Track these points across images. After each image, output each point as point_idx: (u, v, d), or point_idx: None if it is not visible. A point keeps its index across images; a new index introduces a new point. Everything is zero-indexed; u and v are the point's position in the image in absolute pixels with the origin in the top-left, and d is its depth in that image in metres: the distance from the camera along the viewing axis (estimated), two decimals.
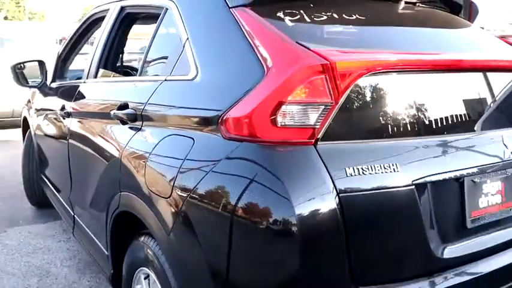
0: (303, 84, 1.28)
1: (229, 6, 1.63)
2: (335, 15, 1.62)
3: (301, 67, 1.30)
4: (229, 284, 1.36)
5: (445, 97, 1.57)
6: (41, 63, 3.39)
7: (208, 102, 1.52)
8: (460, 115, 1.59)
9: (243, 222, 1.29)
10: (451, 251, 1.50)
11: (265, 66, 1.37)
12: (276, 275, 1.30)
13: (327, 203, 1.25)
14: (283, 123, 1.30)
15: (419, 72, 1.50)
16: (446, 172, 1.47)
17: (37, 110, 3.59)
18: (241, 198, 1.29)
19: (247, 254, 1.32)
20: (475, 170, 1.55)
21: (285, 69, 1.31)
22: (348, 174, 1.28)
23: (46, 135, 3.30)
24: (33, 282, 2.86)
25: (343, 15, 1.64)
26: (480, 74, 1.67)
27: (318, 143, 1.30)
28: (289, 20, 1.55)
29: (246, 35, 1.50)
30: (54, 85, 3.29)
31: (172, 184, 1.52)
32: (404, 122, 1.44)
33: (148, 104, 1.84)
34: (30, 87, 3.52)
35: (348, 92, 1.32)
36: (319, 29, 1.59)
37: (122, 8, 2.49)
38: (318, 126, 1.30)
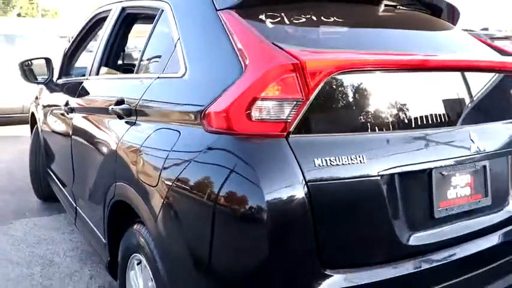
0: (275, 82, 1.39)
1: (217, 8, 1.73)
2: (314, 18, 1.72)
3: (273, 66, 1.40)
4: (210, 268, 1.46)
5: (413, 94, 1.65)
6: (48, 61, 3.53)
7: (193, 98, 1.63)
8: (428, 111, 1.67)
9: (219, 209, 1.40)
10: (419, 239, 1.59)
11: (243, 65, 1.48)
12: (249, 259, 1.40)
13: (296, 191, 1.35)
14: (257, 118, 1.40)
15: (388, 71, 1.59)
16: (413, 164, 1.57)
17: (43, 106, 3.73)
18: (217, 186, 1.40)
19: (224, 240, 1.42)
20: (443, 163, 1.64)
21: (259, 68, 1.42)
22: (317, 165, 1.38)
23: (51, 130, 3.44)
24: (37, 271, 2.99)
25: (322, 18, 1.74)
26: (450, 73, 1.76)
27: (290, 136, 1.40)
28: (270, 22, 1.65)
29: (229, 35, 1.60)
30: (60, 82, 3.42)
31: (159, 174, 1.63)
32: (372, 117, 1.54)
33: (142, 99, 1.96)
34: (37, 83, 3.66)
35: (318, 89, 1.42)
36: (297, 30, 1.69)
37: (123, 9, 2.61)
38: (289, 121, 1.40)
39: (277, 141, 1.39)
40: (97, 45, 2.79)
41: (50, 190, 3.83)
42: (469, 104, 1.82)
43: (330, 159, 1.39)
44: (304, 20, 1.70)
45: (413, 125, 1.62)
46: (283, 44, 1.51)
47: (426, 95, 1.69)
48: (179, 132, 1.64)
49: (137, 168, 1.81)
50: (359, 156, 1.43)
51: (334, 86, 1.47)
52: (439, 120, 1.69)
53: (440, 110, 1.70)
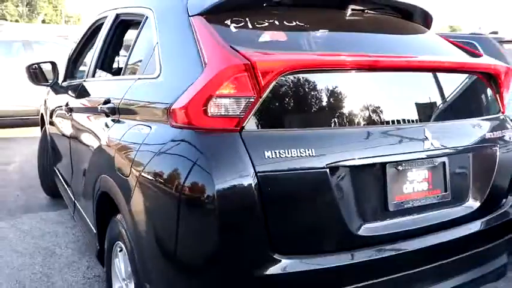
0: (229, 81, 1.53)
1: (189, 14, 1.89)
2: (277, 23, 1.86)
3: (226, 66, 1.55)
4: (171, 253, 1.61)
5: (364, 93, 1.76)
6: (53, 64, 3.74)
7: (163, 97, 1.78)
8: (380, 109, 1.78)
9: (177, 197, 1.54)
10: (372, 230, 1.70)
11: (203, 66, 1.62)
12: (203, 244, 1.54)
13: (246, 182, 1.48)
14: (213, 113, 1.54)
15: (339, 71, 1.71)
16: (365, 158, 1.67)
17: (49, 107, 3.95)
18: (175, 176, 1.55)
19: (180, 225, 1.55)
20: (397, 158, 1.74)
21: (215, 68, 1.57)
22: (267, 157, 1.51)
23: (55, 129, 3.65)
24: (38, 261, 3.19)
25: (285, 23, 1.87)
26: (404, 73, 1.86)
27: (243, 130, 1.54)
28: (234, 26, 1.80)
29: (196, 39, 1.75)
30: (64, 84, 3.62)
31: (130, 165, 1.79)
32: (323, 114, 1.66)
33: (124, 99, 2.12)
34: (43, 85, 3.86)
35: (269, 87, 1.56)
36: (258, 34, 1.83)
37: (117, 15, 2.79)
38: (242, 116, 1.54)
39: (230, 135, 1.53)
40: (94, 49, 2.98)
41: (56, 186, 4.03)
42: (426, 103, 1.91)
43: (279, 152, 1.52)
44: (267, 24, 1.84)
45: (365, 122, 1.73)
46: (241, 46, 1.65)
47: (379, 93, 1.79)
48: (150, 127, 1.80)
49: (115, 161, 1.97)
50: (308, 150, 1.55)
51: (285, 85, 1.60)
52: (392, 118, 1.80)
53: (394, 108, 1.80)
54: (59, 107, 3.51)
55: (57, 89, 3.75)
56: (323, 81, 1.68)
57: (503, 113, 2.20)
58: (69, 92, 3.32)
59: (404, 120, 1.82)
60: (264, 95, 1.55)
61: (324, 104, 1.68)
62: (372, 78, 1.79)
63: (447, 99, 2.00)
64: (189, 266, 1.59)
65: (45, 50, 7.99)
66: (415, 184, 1.81)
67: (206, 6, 1.85)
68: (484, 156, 2.03)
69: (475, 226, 1.96)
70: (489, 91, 2.13)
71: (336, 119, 1.68)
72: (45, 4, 58.22)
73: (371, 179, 1.74)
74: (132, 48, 2.38)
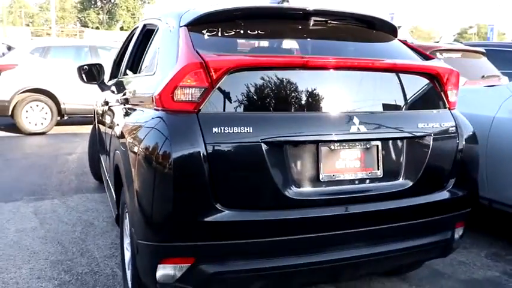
0: (189, 75, 2.02)
1: (180, 25, 2.42)
2: (242, 32, 2.34)
3: (186, 64, 2.04)
4: (142, 204, 2.08)
5: (301, 86, 2.15)
6: (100, 66, 4.42)
7: (153, 88, 2.30)
8: (314, 99, 2.17)
9: (149, 160, 2.05)
10: (304, 194, 2.11)
11: (177, 65, 2.14)
12: (164, 196, 2.01)
13: (197, 148, 1.96)
14: (178, 99, 2.04)
15: (280, 69, 2.13)
16: (297, 136, 2.09)
17: (97, 103, 4.65)
18: (150, 144, 2.06)
19: (151, 183, 2.04)
20: (328, 139, 2.14)
21: (179, 66, 2.07)
22: (214, 132, 1.98)
23: (98, 121, 4.33)
24: (78, 229, 3.84)
25: (249, 32, 2.35)
26: (340, 71, 2.23)
27: (199, 112, 2.03)
28: (207, 35, 2.30)
29: (178, 44, 2.27)
30: (109, 83, 4.30)
31: (126, 139, 2.34)
32: (262, 101, 2.09)
33: (133, 91, 2.69)
34: (91, 84, 4.56)
35: (221, 80, 2.02)
36: (224, 41, 2.32)
37: (144, 25, 3.40)
38: (199, 102, 2.02)
39: (190, 116, 2.02)
40: (127, 53, 3.61)
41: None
42: (359, 96, 2.27)
43: (224, 128, 1.99)
44: (233, 33, 2.33)
45: (299, 109, 2.15)
46: (205, 50, 2.14)
47: (312, 87, 2.17)
48: (143, 111, 2.34)
49: (121, 138, 2.54)
50: (247, 128, 2.01)
51: (232, 79, 2.05)
52: (325, 107, 2.18)
53: (326, 99, 2.18)
54: (101, 102, 4.18)
55: (102, 87, 4.42)
56: (263, 77, 2.11)
57: (449, 108, 2.52)
58: (109, 88, 3.97)
59: (336, 109, 2.20)
60: (216, 86, 2.03)
61: (263, 94, 2.11)
62: (306, 75, 2.18)
63: (381, 94, 2.35)
64: (155, 211, 2.05)
65: (109, 55, 8.89)
66: (348, 161, 2.20)
67: (190, 20, 2.37)
68: (418, 144, 2.36)
69: (405, 202, 2.29)
70: (430, 89, 2.45)
71: (272, 106, 2.11)
72: (124, 12, 61.77)
73: (305, 154, 2.15)
74: (146, 52, 2.96)
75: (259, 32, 2.38)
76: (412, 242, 2.37)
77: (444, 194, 2.43)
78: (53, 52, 8.50)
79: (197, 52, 2.10)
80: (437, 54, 6.26)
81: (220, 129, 2.00)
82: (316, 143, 2.14)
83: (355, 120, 2.19)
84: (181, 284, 2.07)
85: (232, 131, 2.01)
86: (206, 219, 1.99)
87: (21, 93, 8.08)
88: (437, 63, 2.54)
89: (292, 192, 2.09)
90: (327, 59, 2.18)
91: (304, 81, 2.16)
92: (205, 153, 1.97)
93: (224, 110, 2.06)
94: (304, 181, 2.14)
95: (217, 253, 2.05)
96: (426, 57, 2.64)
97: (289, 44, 2.47)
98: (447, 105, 2.51)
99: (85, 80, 4.39)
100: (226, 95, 2.06)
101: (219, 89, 2.04)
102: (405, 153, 2.32)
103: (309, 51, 2.50)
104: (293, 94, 2.15)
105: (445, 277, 3.21)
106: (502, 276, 3.23)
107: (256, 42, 2.44)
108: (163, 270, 2.06)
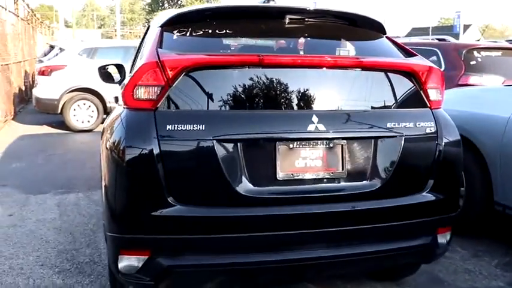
0: (146, 74, 2.08)
1: (157, 26, 2.50)
2: (210, 31, 2.38)
3: (144, 64, 2.11)
4: (106, 195, 2.17)
5: (258, 84, 2.14)
6: (120, 66, 4.60)
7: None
8: (270, 98, 2.15)
9: (111, 153, 2.14)
10: (259, 192, 2.10)
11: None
12: (119, 189, 2.10)
13: (150, 145, 2.01)
14: (137, 97, 2.11)
15: (234, 67, 2.14)
16: (252, 134, 2.09)
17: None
18: (112, 139, 2.15)
19: (112, 175, 2.13)
20: (288, 136, 2.12)
21: (139, 65, 2.15)
22: (167, 129, 2.03)
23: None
24: (93, 221, 4.04)
25: (217, 31, 2.38)
26: (303, 69, 2.21)
27: (157, 110, 2.08)
28: (177, 35, 2.36)
29: (151, 44, 2.35)
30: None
31: (101, 136, 2.46)
32: (217, 99, 2.10)
33: (120, 91, 2.81)
34: (111, 83, 4.76)
35: (178, 78, 2.07)
36: (189, 40, 2.37)
37: (148, 26, 3.52)
38: (156, 99, 2.08)
39: (148, 113, 2.08)
40: (136, 53, 3.75)
41: None
42: (321, 94, 2.22)
43: (177, 126, 2.04)
44: (202, 33, 2.37)
45: (255, 107, 2.15)
46: (173, 50, 2.21)
47: (269, 85, 2.16)
48: (118, 109, 2.44)
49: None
50: (199, 125, 2.04)
51: (189, 77, 2.09)
52: (283, 105, 2.17)
53: (285, 97, 2.17)
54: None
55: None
56: (220, 75, 2.14)
57: (431, 108, 2.41)
58: None
59: (295, 107, 2.18)
60: (173, 85, 2.08)
61: (219, 92, 2.12)
62: (263, 73, 2.16)
63: (348, 92, 2.29)
64: (115, 204, 2.13)
65: None
66: (309, 161, 2.17)
67: (164, 20, 2.45)
68: (388, 144, 2.27)
69: (373, 204, 2.22)
70: (406, 87, 2.36)
71: (228, 104, 2.12)
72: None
73: (262, 152, 2.15)
74: (137, 52, 3.07)
75: (229, 31, 2.41)
76: (383, 245, 2.30)
77: (420, 197, 2.33)
78: (100, 53, 8.92)
79: (157, 52, 2.16)
80: (475, 52, 5.98)
81: (174, 126, 2.05)
82: (274, 141, 2.13)
83: (317, 118, 2.15)
84: (141, 276, 2.14)
85: (185, 129, 2.05)
86: (160, 214, 2.05)
87: (70, 92, 8.55)
88: (415, 60, 2.44)
89: (246, 190, 2.10)
90: (284, 57, 2.17)
91: (261, 79, 2.15)
92: (158, 150, 2.03)
93: (180, 108, 2.11)
94: (260, 179, 2.14)
95: (172, 247, 2.10)
96: (410, 55, 2.54)
97: (261, 42, 2.47)
98: (428, 104, 2.40)
99: (105, 79, 4.59)
100: (183, 93, 2.10)
101: (176, 87, 2.09)
102: (373, 153, 2.26)
103: (282, 50, 2.49)
104: (249, 92, 2.15)
105: (444, 285, 3.07)
106: (506, 287, 3.05)
107: (227, 42, 2.47)
108: (126, 261, 2.14)
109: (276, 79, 2.16)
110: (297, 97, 2.19)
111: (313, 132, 2.15)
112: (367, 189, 2.23)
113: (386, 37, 2.70)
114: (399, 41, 2.90)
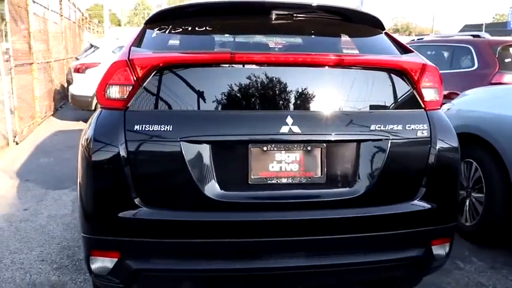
0: (115, 74, 2.03)
1: (144, 23, 2.46)
2: (189, 28, 2.29)
3: (114, 62, 2.06)
4: (79, 201, 2.12)
5: (234, 83, 2.03)
6: None
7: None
8: (243, 97, 2.04)
9: (81, 150, 2.10)
10: (229, 197, 2.00)
11: None
12: (86, 188, 2.06)
13: (117, 146, 1.95)
14: (109, 97, 2.06)
15: (206, 65, 2.05)
16: (221, 136, 1.99)
17: None
18: (84, 137, 2.11)
19: (82, 171, 2.09)
20: (261, 138, 2.01)
21: (110, 65, 2.09)
22: (135, 129, 1.96)
23: None
24: None
25: (197, 28, 2.30)
26: (281, 67, 2.08)
27: (127, 110, 2.02)
28: (158, 32, 2.30)
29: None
30: None
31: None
32: (187, 99, 2.01)
33: None
34: None
35: (149, 78, 2.00)
36: (167, 38, 2.29)
37: None
38: (126, 99, 2.02)
39: (118, 112, 2.02)
40: None
41: None
42: (299, 94, 2.07)
43: (145, 126, 1.97)
44: (182, 30, 2.29)
45: (226, 107, 2.04)
46: (147, 48, 2.15)
47: (248, 84, 2.05)
48: None
49: None
50: (167, 126, 1.96)
51: (162, 76, 2.01)
52: (256, 106, 2.06)
53: (258, 97, 2.05)
54: None
55: None
56: (191, 74, 2.04)
57: (426, 109, 2.23)
58: None
59: (270, 108, 2.06)
60: (144, 84, 2.02)
61: (190, 91, 2.03)
62: (237, 71, 2.06)
63: (328, 93, 2.13)
64: (84, 205, 2.09)
65: None
66: (284, 164, 2.05)
67: (149, 17, 2.40)
68: (373, 148, 2.11)
69: (355, 212, 2.07)
70: (397, 86, 2.18)
71: (198, 104, 2.03)
72: None
73: (233, 155, 2.05)
74: None
75: (212, 28, 2.33)
76: (367, 256, 2.14)
77: (410, 207, 2.16)
78: None
79: (129, 51, 2.11)
80: (511, 50, 5.62)
81: (142, 126, 1.99)
82: (246, 143, 2.03)
83: (291, 120, 2.03)
84: (112, 278, 2.10)
85: (152, 129, 1.98)
86: (126, 216, 1.99)
87: None
88: (407, 57, 2.26)
89: (215, 194, 2.01)
90: (257, 54, 2.05)
91: (233, 77, 2.05)
92: (125, 150, 1.97)
93: (149, 108, 2.04)
94: (230, 183, 2.04)
95: (140, 250, 2.04)
96: (407, 52, 2.36)
97: (246, 40, 2.36)
98: (422, 105, 2.22)
99: None
100: (153, 93, 2.04)
101: (146, 86, 2.03)
102: (355, 158, 2.10)
103: (268, 48, 2.37)
104: (221, 91, 2.05)
105: None
106: None
107: (208, 39, 2.37)
108: (98, 263, 2.10)
109: (249, 77, 2.05)
110: (272, 97, 2.07)
111: (288, 134, 2.02)
112: (349, 196, 2.08)
113: (385, 33, 2.53)
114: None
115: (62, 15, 12.22)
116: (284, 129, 2.01)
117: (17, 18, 7.26)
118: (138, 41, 2.25)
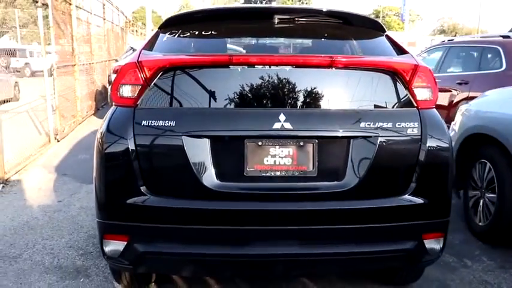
0: (127, 74, 2.24)
1: (158, 27, 2.68)
2: (196, 32, 2.49)
3: (125, 64, 2.28)
4: (94, 189, 2.36)
5: (232, 82, 2.21)
6: None
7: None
8: (245, 95, 2.21)
9: (97, 142, 2.31)
10: (226, 187, 2.18)
11: None
12: (99, 178, 2.29)
13: (126, 139, 2.18)
14: (121, 95, 2.28)
15: (207, 66, 2.24)
16: (220, 131, 2.17)
17: None
18: (100, 131, 2.32)
19: (96, 163, 2.32)
20: (255, 134, 2.18)
21: (122, 66, 2.31)
22: (143, 124, 2.18)
23: None
24: None
25: (203, 33, 2.49)
26: (274, 67, 2.22)
27: (137, 107, 2.24)
28: (168, 37, 2.51)
29: None
30: None
31: None
32: (189, 97, 2.20)
33: None
34: None
35: (156, 78, 2.21)
36: (176, 42, 2.49)
37: None
38: (135, 97, 2.24)
39: (128, 110, 2.24)
40: None
41: None
42: (297, 92, 2.23)
43: (151, 122, 2.18)
44: (189, 34, 2.49)
45: (225, 105, 2.21)
46: (158, 51, 2.37)
47: (245, 83, 2.21)
48: None
49: None
50: (170, 122, 2.17)
51: (168, 76, 2.22)
52: (257, 103, 2.22)
53: (255, 95, 2.22)
54: None
55: None
56: (194, 74, 2.23)
57: (418, 107, 2.32)
58: None
59: (265, 106, 2.22)
60: (152, 84, 2.23)
61: (192, 90, 2.22)
62: (236, 72, 2.23)
63: (321, 91, 2.25)
64: (97, 192, 2.33)
65: None
66: (278, 158, 2.20)
67: (163, 22, 2.62)
68: (362, 144, 2.23)
69: (345, 204, 2.20)
70: (389, 86, 2.29)
71: (199, 102, 2.22)
72: None
73: (230, 149, 2.22)
74: None
75: (219, 32, 2.52)
76: (358, 247, 2.27)
77: (399, 201, 2.27)
78: None
79: (140, 53, 2.33)
80: None
81: (149, 122, 2.20)
82: (242, 138, 2.20)
83: (284, 117, 2.18)
84: (123, 260, 2.32)
85: (158, 125, 2.19)
86: (134, 203, 2.21)
87: None
88: (399, 58, 2.37)
89: (213, 184, 2.19)
90: (252, 56, 2.22)
91: (232, 78, 2.23)
92: (134, 143, 2.19)
93: (155, 106, 2.24)
94: (227, 175, 2.21)
95: (146, 234, 2.25)
96: (403, 54, 2.47)
97: (252, 43, 2.54)
98: (415, 104, 2.32)
99: None
100: (159, 92, 2.24)
101: (154, 86, 2.23)
102: (346, 153, 2.23)
103: (272, 50, 2.53)
104: (220, 91, 2.23)
105: None
106: None
107: (215, 43, 2.57)
108: (111, 246, 2.33)
109: (246, 78, 2.22)
110: (267, 96, 2.23)
111: (280, 130, 2.18)
112: (339, 189, 2.21)
113: (386, 36, 2.64)
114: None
115: (104, 19, 12.77)
116: (277, 125, 2.17)
117: (60, 22, 7.71)
118: (150, 45, 2.47)
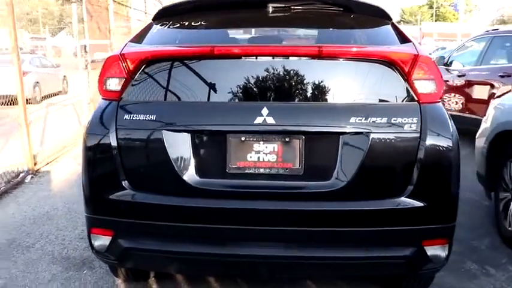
0: (111, 67, 2.19)
1: (152, 19, 2.62)
2: (186, 23, 2.40)
3: (109, 57, 2.22)
4: (82, 178, 2.32)
5: (215, 74, 2.11)
6: None
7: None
8: (228, 88, 2.09)
9: (83, 136, 2.28)
10: (207, 184, 2.09)
11: None
12: (85, 176, 2.24)
13: (108, 133, 2.13)
14: (106, 88, 2.23)
15: (192, 58, 2.14)
16: (201, 125, 2.08)
17: None
18: (86, 125, 2.30)
19: (83, 159, 2.28)
20: (240, 129, 2.07)
21: (106, 59, 2.26)
22: (125, 118, 2.12)
23: None
24: None
25: (193, 23, 2.40)
26: (264, 58, 2.10)
27: (121, 100, 2.19)
28: (158, 28, 2.44)
29: None
30: None
31: None
32: (172, 91, 2.12)
33: None
34: None
35: (139, 71, 2.15)
36: (166, 33, 2.41)
37: None
38: (119, 91, 2.18)
39: (112, 103, 2.19)
40: None
41: None
42: (284, 85, 2.09)
43: (132, 116, 2.12)
44: (179, 25, 2.41)
45: (211, 98, 2.11)
46: (148, 43, 2.31)
47: (228, 76, 2.11)
48: None
49: None
50: (150, 116, 2.09)
51: (152, 69, 2.14)
52: (240, 96, 2.10)
53: (244, 88, 2.09)
54: None
55: None
56: (177, 66, 2.15)
57: (420, 102, 2.12)
58: None
59: (249, 100, 2.11)
60: (135, 76, 2.16)
61: (174, 83, 2.14)
62: (216, 63, 2.13)
63: (310, 84, 2.11)
64: (83, 186, 2.28)
65: None
66: (262, 155, 2.08)
67: (155, 14, 2.55)
68: (354, 141, 2.06)
69: (334, 205, 2.05)
70: (385, 78, 2.10)
71: (180, 95, 2.14)
72: None
73: (212, 144, 2.13)
74: None
75: (211, 23, 2.42)
76: (349, 252, 2.12)
77: (395, 203, 2.08)
78: None
79: (124, 46, 2.27)
80: None
81: (131, 116, 2.14)
82: (224, 133, 2.09)
83: (267, 111, 2.05)
84: (109, 255, 2.29)
85: (139, 118, 2.12)
86: (116, 197, 2.16)
87: None
88: (397, 47, 2.17)
89: (193, 181, 2.10)
90: (234, 47, 2.11)
91: (214, 70, 2.13)
92: (115, 138, 2.14)
93: (138, 99, 2.18)
94: (209, 171, 2.12)
95: (129, 230, 2.20)
96: (406, 43, 2.28)
97: (245, 33, 2.42)
98: (415, 98, 2.12)
99: None
100: (143, 85, 2.18)
101: (137, 79, 2.17)
102: (335, 151, 2.07)
103: (264, 40, 2.41)
104: (203, 83, 2.13)
105: None
106: None
107: (206, 33, 2.46)
108: (98, 240, 2.30)
109: (228, 70, 2.12)
110: (250, 88, 2.11)
111: (263, 125, 2.05)
112: (327, 189, 2.06)
113: (392, 24, 2.45)
114: None
115: (146, 13, 12.96)
116: (259, 119, 2.04)
117: (95, 16, 7.87)
118: (139, 37, 2.40)
